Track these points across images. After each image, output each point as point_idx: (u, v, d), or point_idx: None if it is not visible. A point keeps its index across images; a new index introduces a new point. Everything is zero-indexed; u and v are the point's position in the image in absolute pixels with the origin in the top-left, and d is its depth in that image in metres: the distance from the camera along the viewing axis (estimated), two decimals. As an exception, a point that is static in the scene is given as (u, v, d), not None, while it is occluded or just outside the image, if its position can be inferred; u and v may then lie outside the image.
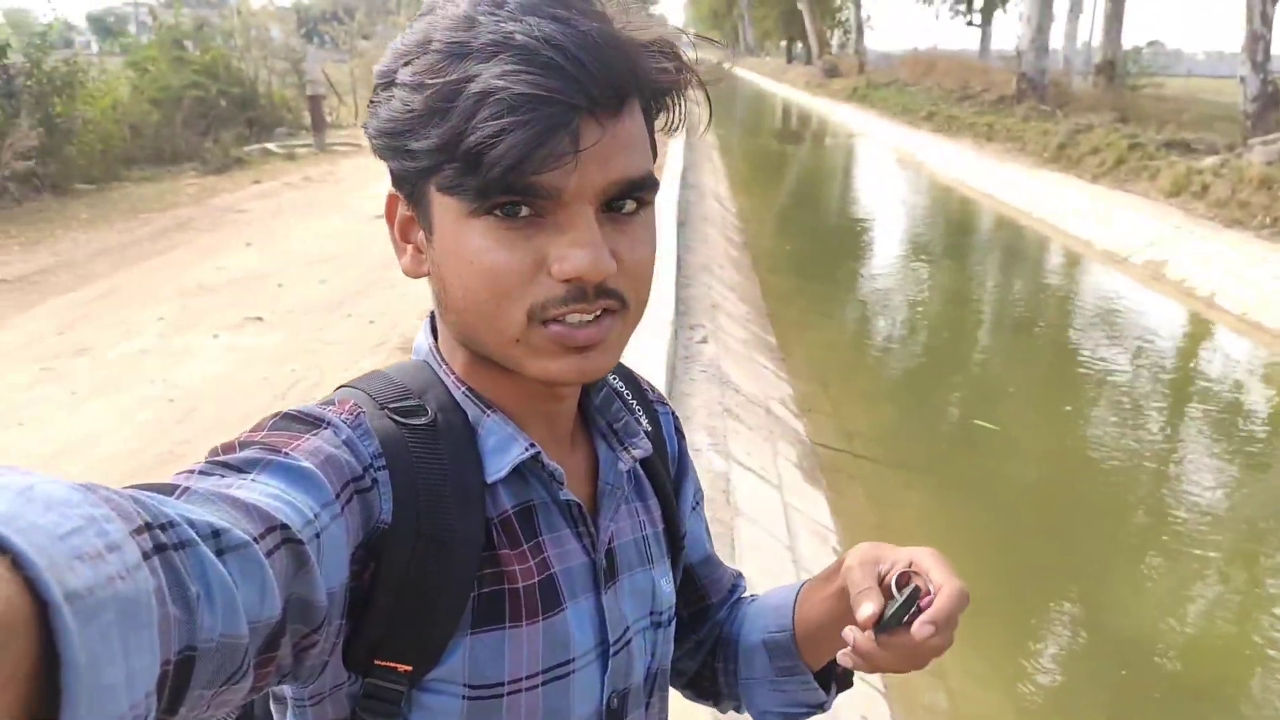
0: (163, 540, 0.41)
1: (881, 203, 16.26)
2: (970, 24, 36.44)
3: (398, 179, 0.69)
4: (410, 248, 0.72)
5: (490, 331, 0.68)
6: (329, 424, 0.65)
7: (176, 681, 0.41)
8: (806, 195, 17.73)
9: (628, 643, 0.78)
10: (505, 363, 0.69)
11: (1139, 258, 10.91)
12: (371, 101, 0.68)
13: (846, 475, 5.80)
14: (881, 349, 8.78)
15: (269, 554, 0.49)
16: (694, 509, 0.95)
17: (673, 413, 0.94)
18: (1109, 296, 10.28)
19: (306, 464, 0.59)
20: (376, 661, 0.66)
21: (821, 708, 0.91)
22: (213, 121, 12.96)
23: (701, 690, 1.00)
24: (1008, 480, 5.87)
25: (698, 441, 4.89)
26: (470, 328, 0.69)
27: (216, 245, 7.33)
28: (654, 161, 0.71)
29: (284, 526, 0.52)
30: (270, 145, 13.21)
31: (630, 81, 0.65)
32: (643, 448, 0.81)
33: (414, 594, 0.65)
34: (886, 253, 12.68)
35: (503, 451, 0.72)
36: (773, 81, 46.47)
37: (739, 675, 0.95)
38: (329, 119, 14.67)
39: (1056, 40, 22.76)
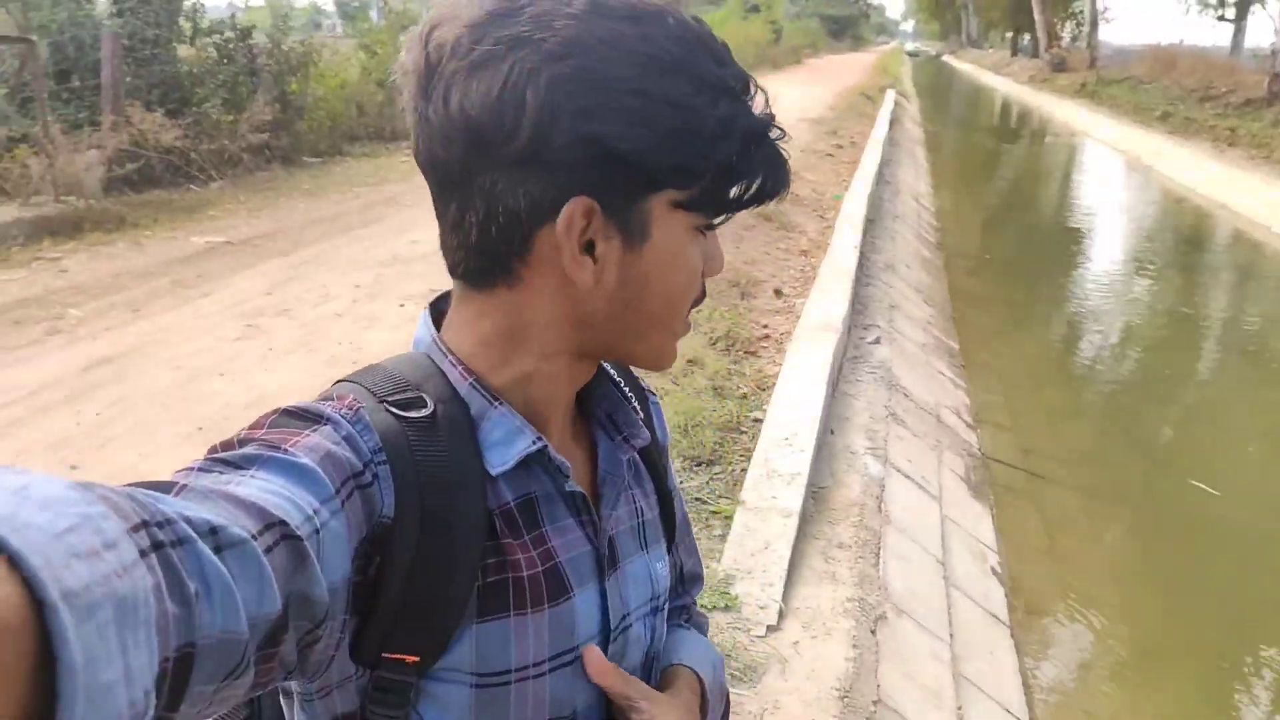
0: (160, 538, 0.41)
1: (1101, 208, 15.18)
2: (1221, 19, 33.29)
3: (610, 190, 0.67)
4: (589, 261, 0.69)
5: (664, 328, 0.75)
6: (328, 420, 0.65)
7: (176, 678, 0.41)
8: (1016, 196, 16.82)
9: (627, 629, 0.80)
10: (647, 357, 0.77)
11: (1396, 283, 9.68)
12: (603, 105, 0.65)
13: (1018, 494, 5.48)
14: (1079, 367, 8.21)
15: (267, 551, 0.49)
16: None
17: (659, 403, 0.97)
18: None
19: (305, 460, 0.59)
20: (384, 654, 0.67)
21: None
22: (430, 102, 13.71)
23: None
24: (1214, 524, 5.33)
25: (854, 444, 4.75)
26: (642, 328, 0.74)
27: (416, 219, 7.76)
28: None
29: (282, 523, 0.52)
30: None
31: None
32: (642, 437, 0.83)
33: (419, 585, 0.66)
34: (1100, 263, 11.82)
35: (508, 444, 0.72)
36: (993, 75, 44.30)
37: None
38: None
39: (1323, 37, 20.39)
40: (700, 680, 0.88)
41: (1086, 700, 3.92)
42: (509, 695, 0.70)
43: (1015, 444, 6.14)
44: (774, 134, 0.72)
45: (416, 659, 0.67)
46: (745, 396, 4.77)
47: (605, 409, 0.83)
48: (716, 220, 0.73)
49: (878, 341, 6.27)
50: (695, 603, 1.04)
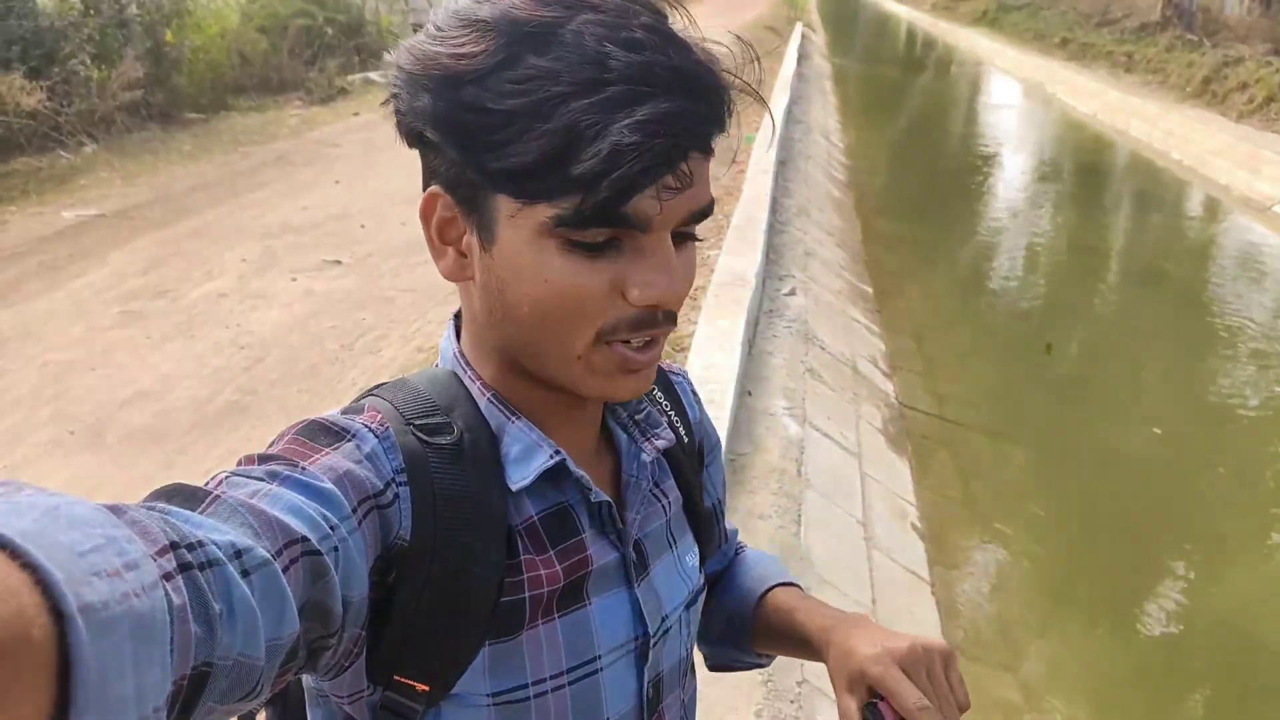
0: (188, 559, 0.42)
1: (1005, 140, 15.34)
2: (1116, -59, 33.71)
3: (452, 180, 0.66)
4: (451, 251, 0.70)
5: (554, 348, 0.67)
6: (354, 435, 0.65)
7: (189, 695, 0.41)
8: (922, 131, 16.88)
9: (667, 631, 0.79)
10: (557, 379, 0.69)
11: (1283, 208, 9.99)
12: (422, 85, 0.64)
13: (935, 442, 5.49)
14: (988, 304, 8.28)
15: (286, 568, 0.50)
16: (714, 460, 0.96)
17: (686, 378, 0.95)
18: (1246, 252, 9.45)
19: (322, 481, 0.59)
20: (396, 677, 0.67)
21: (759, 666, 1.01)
22: (319, 50, 13.03)
23: None
24: (1119, 456, 5.42)
25: (773, 406, 4.67)
26: (529, 343, 0.68)
27: (308, 182, 7.35)
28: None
29: (304, 539, 0.53)
30: (373, 75, 13.22)
31: (726, 120, 0.67)
32: (666, 438, 0.81)
33: (430, 615, 0.66)
34: (1006, 196, 11.94)
35: (527, 460, 0.71)
36: (895, 3, 44.33)
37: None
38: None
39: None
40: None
41: (1002, 649, 3.96)
42: (530, 710, 0.70)
43: (930, 389, 6.16)
44: (640, 116, 0.60)
45: (428, 688, 0.67)
46: (659, 362, 4.64)
47: (628, 411, 0.81)
48: (588, 233, 0.63)
49: (793, 293, 6.19)
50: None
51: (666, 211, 0.64)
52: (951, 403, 5.98)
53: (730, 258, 6.00)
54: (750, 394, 4.79)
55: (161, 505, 0.46)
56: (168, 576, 0.39)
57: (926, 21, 35.66)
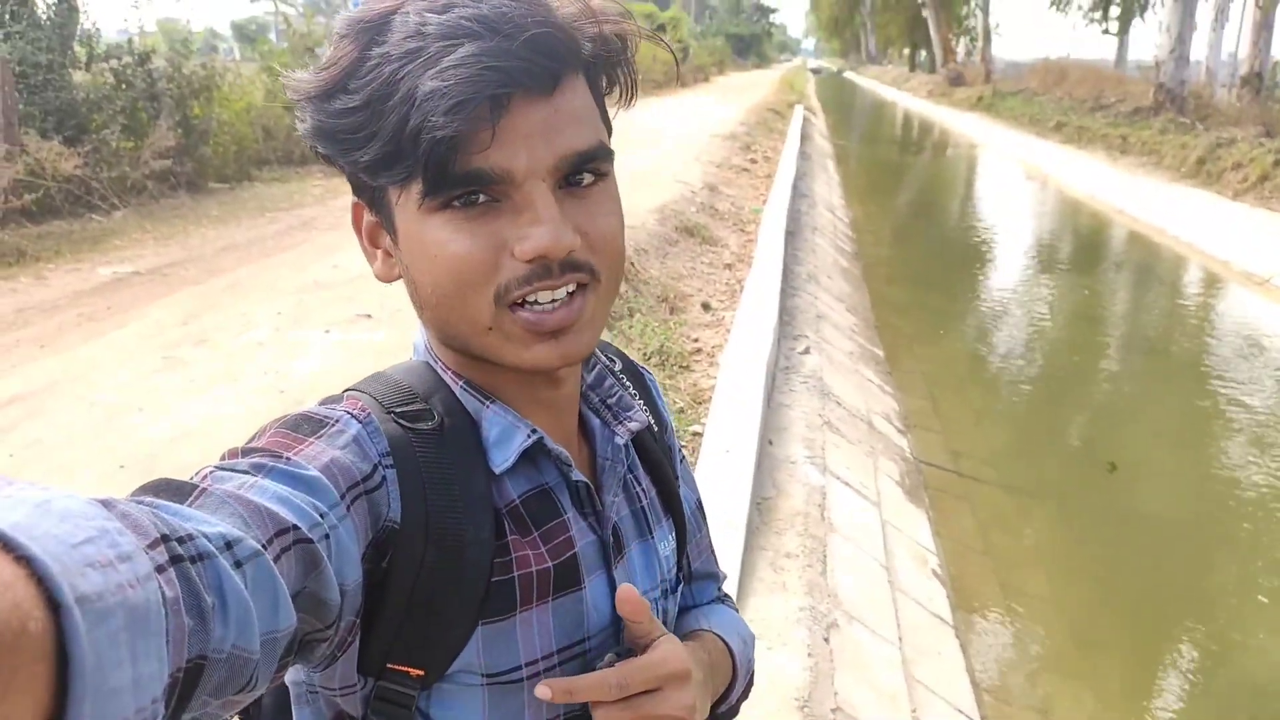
0: (179, 552, 0.42)
1: (1004, 216, 15.68)
2: (1106, 33, 34.87)
3: (356, 186, 0.70)
4: (380, 252, 0.73)
5: (463, 323, 0.68)
6: (337, 422, 0.66)
7: (184, 688, 0.42)
8: (924, 207, 17.28)
9: None
10: (484, 354, 0.70)
11: (1282, 279, 10.22)
12: (305, 110, 0.67)
13: (952, 496, 5.59)
14: (998, 367, 8.44)
15: (276, 558, 0.50)
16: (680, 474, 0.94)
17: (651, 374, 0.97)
18: (1246, 321, 9.65)
19: (309, 470, 0.60)
20: (389, 665, 0.67)
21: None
22: (339, 125, 13.44)
23: None
24: (1131, 512, 5.52)
25: (794, 454, 4.78)
26: (445, 322, 0.69)
27: (335, 244, 7.57)
28: (608, 134, 0.72)
29: (294, 528, 0.53)
30: (392, 148, 13.57)
31: (564, 56, 0.65)
32: (638, 420, 0.82)
33: (424, 600, 0.66)
34: (1008, 268, 12.21)
35: (506, 441, 0.72)
36: (894, 90, 45.58)
37: None
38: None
39: (1199, 51, 21.55)
40: (729, 648, 0.88)
41: (1030, 693, 4.00)
42: (523, 691, 0.70)
43: (945, 446, 6.26)
44: (443, 64, 0.60)
45: (422, 673, 0.67)
46: (683, 411, 4.76)
47: (599, 395, 0.83)
48: (444, 193, 0.64)
49: (807, 351, 6.34)
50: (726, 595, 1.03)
51: (529, 160, 0.64)
52: (968, 459, 6.09)
53: (746, 318, 6.18)
54: (771, 443, 4.90)
55: (150, 499, 0.46)
56: (160, 569, 0.39)
57: (923, 107, 36.64)
